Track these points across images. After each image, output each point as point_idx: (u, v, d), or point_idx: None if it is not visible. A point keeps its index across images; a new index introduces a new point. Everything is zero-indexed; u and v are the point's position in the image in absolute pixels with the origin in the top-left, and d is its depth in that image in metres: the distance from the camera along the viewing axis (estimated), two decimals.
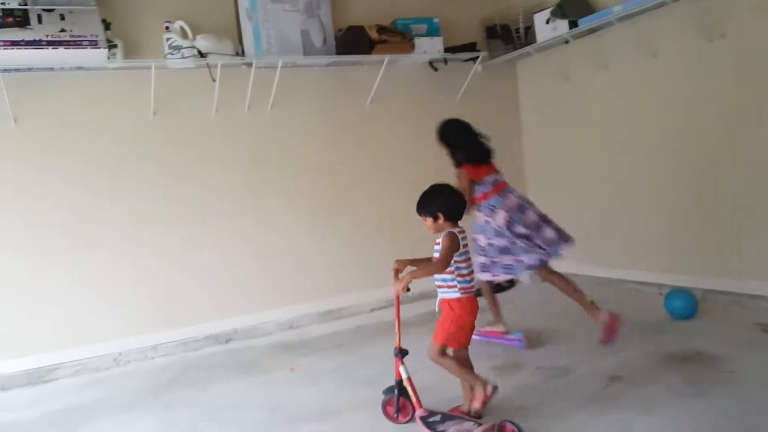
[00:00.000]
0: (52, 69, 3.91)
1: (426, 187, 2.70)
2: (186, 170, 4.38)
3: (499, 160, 5.59)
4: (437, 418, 2.49)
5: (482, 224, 3.57)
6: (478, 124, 5.64)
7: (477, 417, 2.51)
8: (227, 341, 4.43)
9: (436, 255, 2.58)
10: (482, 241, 3.56)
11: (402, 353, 2.68)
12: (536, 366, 3.28)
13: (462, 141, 3.58)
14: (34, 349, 3.91)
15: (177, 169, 4.35)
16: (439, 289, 2.57)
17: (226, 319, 4.45)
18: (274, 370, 3.70)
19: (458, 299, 2.51)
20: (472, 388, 2.58)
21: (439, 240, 2.56)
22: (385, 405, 2.72)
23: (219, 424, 2.95)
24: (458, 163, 3.57)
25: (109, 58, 3.88)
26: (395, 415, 2.67)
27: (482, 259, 3.56)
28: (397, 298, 2.67)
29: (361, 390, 3.18)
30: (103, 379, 3.88)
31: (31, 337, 3.91)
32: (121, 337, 4.12)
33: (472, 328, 2.58)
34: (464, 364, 2.63)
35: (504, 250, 3.50)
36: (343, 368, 3.58)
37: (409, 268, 2.58)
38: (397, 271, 2.60)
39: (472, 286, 2.57)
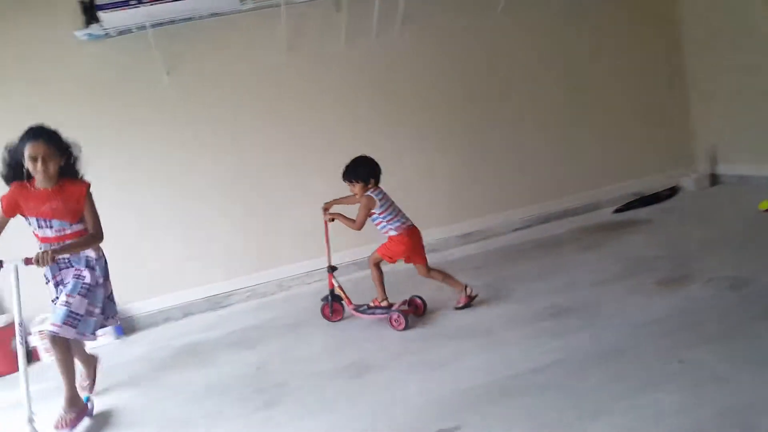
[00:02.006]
0: (190, 19, 4.10)
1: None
2: (322, 102, 4.47)
3: (653, 71, 5.03)
4: (365, 307, 3.41)
5: (96, 257, 2.83)
6: (631, 31, 4.97)
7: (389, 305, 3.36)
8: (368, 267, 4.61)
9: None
10: (89, 278, 2.77)
11: (332, 269, 3.51)
12: (708, 278, 3.00)
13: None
14: (212, 278, 4.38)
15: (313, 102, 4.45)
16: (385, 234, 3.34)
17: (368, 245, 4.59)
18: (419, 291, 3.77)
19: (394, 236, 3.30)
20: (383, 288, 3.41)
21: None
22: (322, 309, 3.54)
23: (377, 338, 3.13)
24: (84, 181, 2.86)
25: (241, 0, 3.98)
26: (330, 314, 3.52)
27: (75, 303, 2.68)
28: (326, 226, 3.52)
29: (509, 308, 3.16)
30: (271, 302, 4.26)
31: (209, 268, 4.38)
32: (282, 264, 4.47)
33: (406, 253, 3.33)
34: (379, 276, 3.42)
35: (108, 298, 2.93)
36: (488, 288, 3.55)
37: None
38: (325, 210, 3.51)
39: (404, 222, 3.30)
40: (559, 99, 4.88)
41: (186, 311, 4.34)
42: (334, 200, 3.53)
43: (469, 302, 3.30)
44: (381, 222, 3.30)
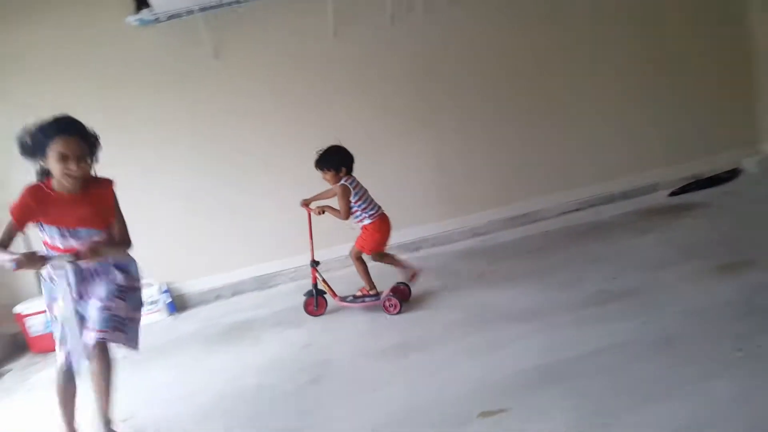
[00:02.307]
0: (238, 2, 4.12)
1: None
2: (366, 87, 4.44)
3: (713, 42, 4.75)
4: (350, 298, 3.50)
5: (127, 260, 2.47)
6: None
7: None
8: (416, 249, 4.59)
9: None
10: (123, 280, 2.38)
11: (315, 264, 3.53)
12: None
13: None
14: (259, 258, 4.47)
15: (357, 87, 4.42)
16: (358, 223, 3.44)
17: (413, 228, 4.58)
18: (464, 275, 3.75)
19: (370, 224, 3.40)
20: (369, 278, 3.49)
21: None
22: (306, 304, 3.56)
23: (421, 320, 3.13)
24: (107, 179, 2.39)
25: None
26: (314, 309, 3.55)
27: (116, 307, 2.32)
28: (310, 221, 3.54)
29: (558, 294, 3.09)
30: None
31: (257, 249, 4.47)
32: (324, 246, 4.48)
33: (383, 241, 3.45)
34: (363, 268, 3.50)
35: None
36: (537, 273, 3.49)
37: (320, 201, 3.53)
38: (305, 205, 3.55)
39: (377, 210, 3.42)
40: (612, 77, 4.69)
41: (235, 290, 4.45)
42: (312, 197, 3.55)
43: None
44: (356, 211, 3.37)
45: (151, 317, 4.15)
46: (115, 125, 4.00)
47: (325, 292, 3.55)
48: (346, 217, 3.38)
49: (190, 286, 4.43)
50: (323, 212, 3.46)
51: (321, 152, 3.38)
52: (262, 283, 4.48)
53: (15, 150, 2.25)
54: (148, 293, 4.15)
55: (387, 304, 3.32)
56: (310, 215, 3.55)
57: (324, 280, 3.54)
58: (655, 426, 1.83)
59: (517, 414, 2.04)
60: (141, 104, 4.18)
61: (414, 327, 3.08)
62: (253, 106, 4.34)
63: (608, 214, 4.39)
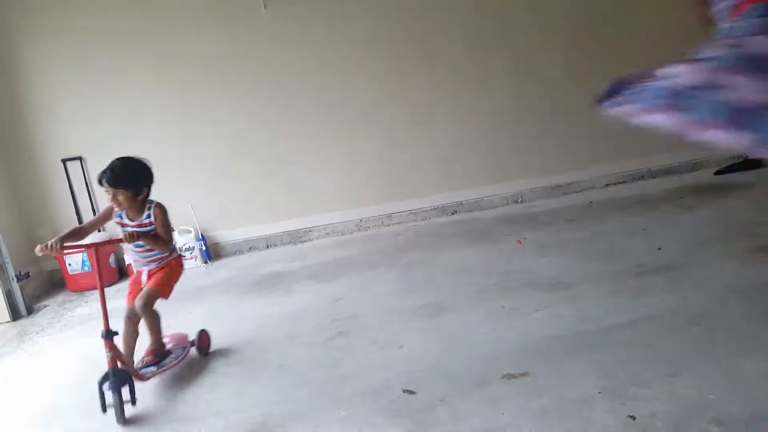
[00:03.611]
0: None
1: None
2: (413, 42, 4.37)
3: None
4: (151, 368, 2.55)
5: None
6: None
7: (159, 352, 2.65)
8: (453, 213, 4.59)
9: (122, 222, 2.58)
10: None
11: (110, 335, 2.33)
12: None
13: None
14: (294, 213, 4.54)
15: (404, 42, 4.36)
16: (154, 262, 2.62)
17: (453, 192, 4.57)
18: (501, 241, 3.74)
19: (177, 259, 2.70)
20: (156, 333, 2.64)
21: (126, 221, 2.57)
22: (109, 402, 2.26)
23: (453, 283, 3.13)
24: None
25: None
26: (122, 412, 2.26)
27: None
28: (99, 264, 2.47)
29: (595, 264, 3.05)
30: (348, 240, 4.37)
31: (292, 204, 4.53)
32: (361, 205, 4.54)
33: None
34: (157, 321, 2.66)
35: None
36: (574, 242, 3.45)
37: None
38: (51, 248, 2.33)
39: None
40: (664, 47, 4.47)
41: (269, 242, 4.55)
42: (67, 233, 2.42)
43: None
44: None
45: (187, 263, 4.28)
46: (160, 70, 4.07)
47: (129, 376, 2.33)
48: (166, 248, 2.59)
49: (226, 236, 4.54)
50: (137, 238, 2.46)
51: (117, 165, 2.49)
52: (296, 237, 4.55)
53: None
54: (184, 240, 4.29)
55: (204, 341, 2.75)
56: (97, 257, 2.45)
57: (122, 358, 2.39)
58: (678, 398, 1.82)
59: (540, 378, 2.05)
60: (190, 47, 4.22)
61: (447, 289, 3.09)
62: (297, 58, 4.34)
63: (653, 189, 4.30)
